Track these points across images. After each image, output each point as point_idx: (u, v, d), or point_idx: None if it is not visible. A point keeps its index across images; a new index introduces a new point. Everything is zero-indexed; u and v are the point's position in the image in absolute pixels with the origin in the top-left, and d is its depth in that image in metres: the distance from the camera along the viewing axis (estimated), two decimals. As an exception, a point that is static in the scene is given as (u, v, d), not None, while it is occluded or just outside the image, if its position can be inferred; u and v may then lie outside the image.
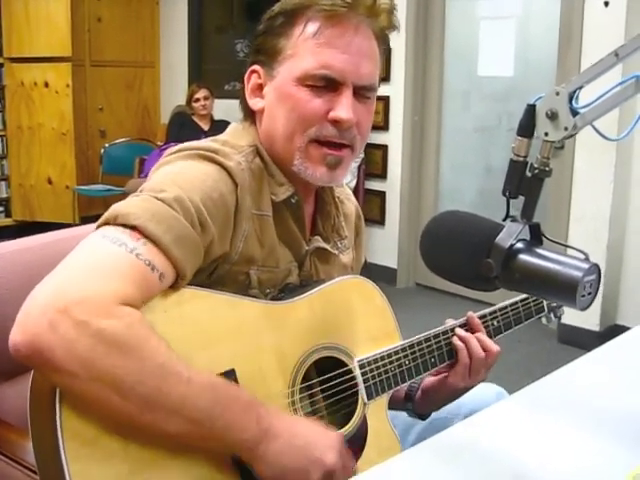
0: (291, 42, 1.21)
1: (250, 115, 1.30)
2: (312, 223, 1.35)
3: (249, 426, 1.00)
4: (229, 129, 1.32)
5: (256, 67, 1.26)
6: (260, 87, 1.26)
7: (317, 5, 1.19)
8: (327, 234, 1.36)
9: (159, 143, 6.44)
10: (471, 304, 4.44)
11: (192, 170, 1.14)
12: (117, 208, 1.05)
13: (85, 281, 0.95)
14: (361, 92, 1.22)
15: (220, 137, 1.27)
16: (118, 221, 1.03)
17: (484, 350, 1.36)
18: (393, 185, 5.15)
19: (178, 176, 1.13)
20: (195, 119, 5.90)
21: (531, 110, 0.98)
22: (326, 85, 1.19)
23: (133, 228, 1.02)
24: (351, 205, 1.48)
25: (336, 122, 1.20)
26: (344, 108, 1.19)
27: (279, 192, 1.24)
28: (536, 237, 1.00)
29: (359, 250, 1.50)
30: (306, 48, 1.19)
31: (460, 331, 1.38)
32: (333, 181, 1.27)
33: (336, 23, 1.19)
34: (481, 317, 1.43)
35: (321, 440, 1.08)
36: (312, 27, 1.19)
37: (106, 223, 1.05)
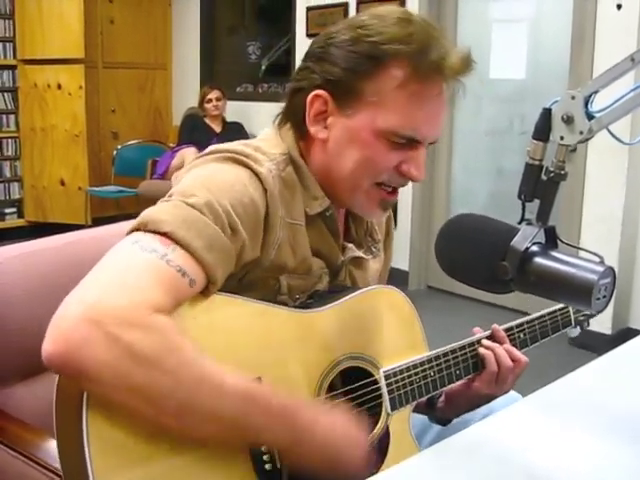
0: (377, 89, 1.16)
1: (297, 128, 1.25)
2: (345, 228, 1.35)
3: (282, 431, 1.01)
4: (262, 135, 1.30)
5: (323, 93, 1.20)
6: (323, 113, 1.21)
7: (415, 61, 1.14)
8: (360, 239, 1.36)
9: (171, 145, 6.47)
10: (483, 307, 4.43)
11: (222, 173, 1.14)
12: (148, 214, 1.05)
13: (117, 291, 0.94)
14: (428, 144, 1.23)
15: (252, 142, 1.24)
16: (149, 228, 1.03)
17: (512, 360, 1.36)
18: (405, 187, 5.09)
19: (208, 179, 1.12)
20: (207, 121, 5.92)
21: (547, 114, 0.98)
22: (405, 142, 1.18)
23: (164, 234, 1.02)
24: None
25: (406, 176, 1.21)
26: (419, 169, 1.21)
27: (313, 205, 1.23)
28: (551, 240, 1.00)
29: (388, 252, 1.50)
30: (396, 103, 1.16)
31: (486, 342, 1.37)
32: (381, 218, 1.34)
33: (432, 85, 1.16)
34: (508, 329, 1.42)
35: (350, 446, 1.09)
36: (409, 86, 1.15)
37: (137, 229, 1.04)
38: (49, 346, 0.90)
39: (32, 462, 1.25)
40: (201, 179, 1.12)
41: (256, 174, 1.15)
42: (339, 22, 1.24)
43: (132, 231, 1.05)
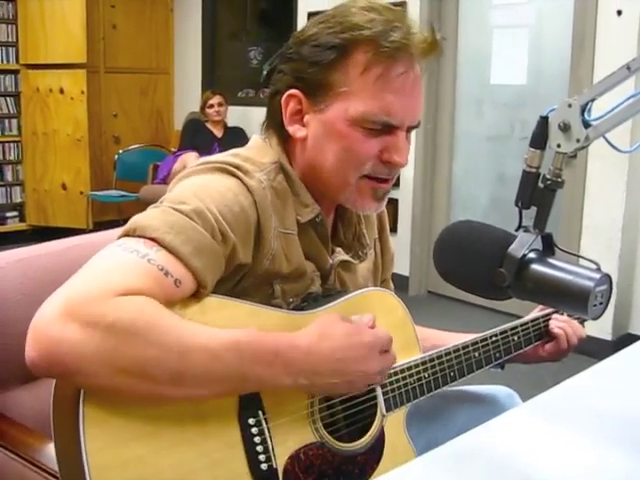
0: (345, 79, 1.17)
1: (278, 132, 1.26)
2: (333, 231, 1.35)
3: (281, 375, 1.03)
4: (251, 143, 1.30)
5: (296, 92, 1.21)
6: (299, 112, 1.22)
7: (377, 44, 1.15)
8: (348, 242, 1.36)
9: (172, 149, 6.48)
10: (483, 312, 4.42)
11: (212, 183, 1.15)
12: (136, 220, 1.06)
13: (88, 284, 0.95)
14: (409, 130, 1.23)
15: (242, 152, 1.25)
16: (137, 233, 1.04)
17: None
18: (406, 192, 5.14)
19: (198, 188, 1.13)
20: (209, 126, 5.92)
21: (544, 122, 0.99)
22: (382, 128, 1.18)
23: (151, 239, 1.03)
24: None
25: (389, 163, 1.20)
26: (402, 153, 1.20)
27: (304, 213, 1.23)
28: (548, 247, 1.01)
29: (387, 245, 1.50)
30: (366, 90, 1.16)
31: (559, 319, 1.52)
32: (379, 210, 1.30)
33: (397, 65, 1.16)
34: (502, 332, 1.44)
35: (356, 354, 1.10)
36: (373, 69, 1.16)
37: (125, 235, 1.05)
38: (30, 352, 0.91)
39: (32, 465, 1.25)
40: (191, 188, 1.13)
41: (246, 186, 1.16)
42: (309, 22, 1.25)
43: (121, 237, 1.06)
